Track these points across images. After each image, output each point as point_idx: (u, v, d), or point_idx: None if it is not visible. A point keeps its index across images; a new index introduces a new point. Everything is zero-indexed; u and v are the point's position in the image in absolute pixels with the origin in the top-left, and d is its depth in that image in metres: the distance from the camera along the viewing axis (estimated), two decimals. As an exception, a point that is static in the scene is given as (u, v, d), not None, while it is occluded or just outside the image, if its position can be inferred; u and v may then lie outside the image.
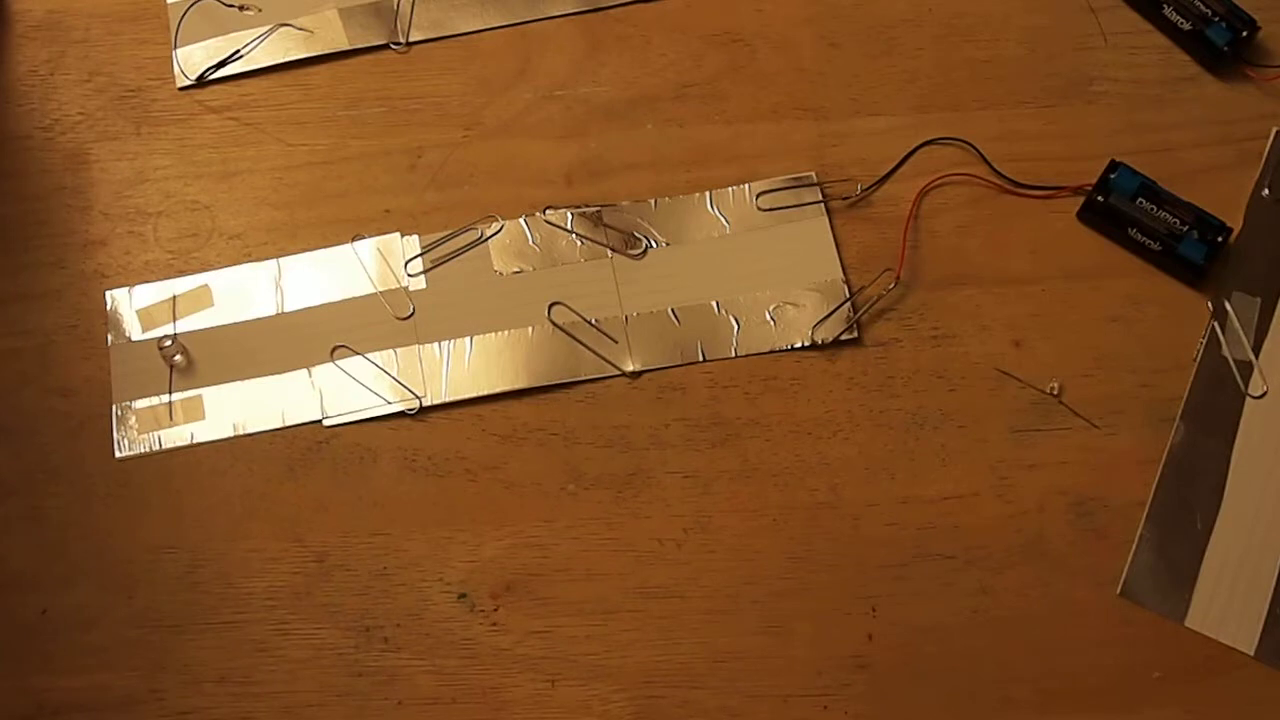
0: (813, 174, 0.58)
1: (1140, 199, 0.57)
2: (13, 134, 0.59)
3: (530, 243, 0.57)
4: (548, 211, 0.57)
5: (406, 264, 0.57)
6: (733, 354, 0.55)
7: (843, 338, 0.55)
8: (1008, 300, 0.56)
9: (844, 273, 0.56)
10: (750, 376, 0.55)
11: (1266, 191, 0.58)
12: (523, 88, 0.60)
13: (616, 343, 0.55)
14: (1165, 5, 0.61)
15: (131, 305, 0.56)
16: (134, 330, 0.56)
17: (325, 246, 0.57)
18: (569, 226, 0.57)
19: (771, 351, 0.55)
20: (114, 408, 0.54)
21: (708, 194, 0.58)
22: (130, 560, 0.52)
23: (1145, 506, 0.53)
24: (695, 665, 0.51)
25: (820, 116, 0.60)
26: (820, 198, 0.58)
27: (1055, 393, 0.55)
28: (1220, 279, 0.57)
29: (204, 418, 0.54)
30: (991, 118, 0.60)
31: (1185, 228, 0.56)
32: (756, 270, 0.56)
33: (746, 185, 0.58)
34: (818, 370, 0.55)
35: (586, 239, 0.57)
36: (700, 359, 0.55)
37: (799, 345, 0.55)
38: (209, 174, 0.59)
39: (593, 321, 0.55)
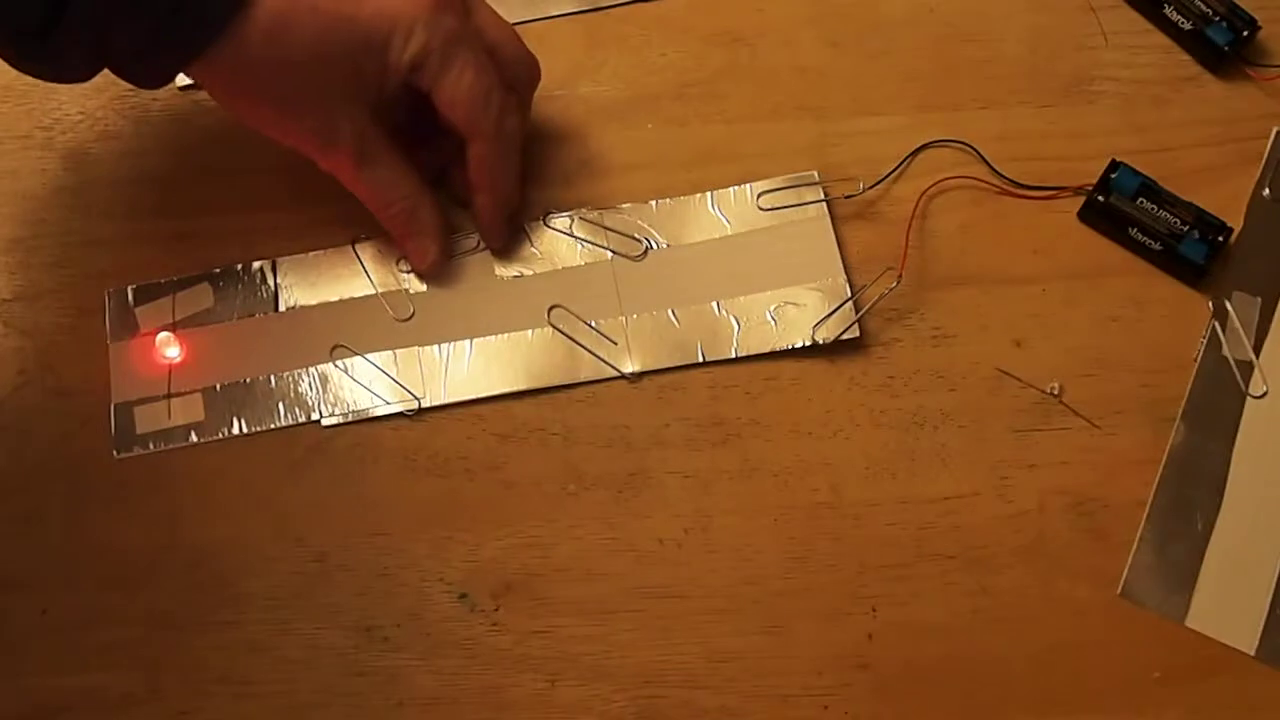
0: (814, 173, 0.58)
1: (1141, 199, 0.57)
2: (13, 134, 0.59)
3: (531, 247, 0.57)
4: (549, 216, 0.57)
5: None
6: (733, 354, 0.55)
7: (844, 337, 0.55)
8: (1008, 300, 0.56)
9: (846, 272, 0.56)
10: (751, 376, 0.55)
11: (1267, 191, 0.58)
12: (523, 87, 0.60)
13: (616, 344, 0.55)
14: (1166, 5, 0.61)
15: (130, 305, 0.56)
16: (133, 330, 0.55)
17: (326, 247, 0.57)
18: (570, 230, 0.57)
19: (772, 353, 0.55)
20: (112, 407, 0.54)
21: (709, 194, 0.58)
22: (130, 560, 0.52)
23: (1145, 506, 0.53)
24: (695, 665, 0.51)
25: (821, 116, 0.60)
26: (822, 197, 0.57)
27: (1055, 393, 0.55)
28: (1220, 279, 0.57)
29: (203, 417, 0.54)
30: (991, 118, 0.60)
31: (1186, 228, 0.56)
32: (757, 270, 0.56)
33: (748, 185, 0.58)
34: (818, 370, 0.55)
35: (587, 242, 0.57)
36: (700, 360, 0.55)
37: (800, 345, 0.55)
38: (209, 173, 0.59)
39: (592, 324, 0.55)
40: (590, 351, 0.55)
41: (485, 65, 0.52)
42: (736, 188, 0.58)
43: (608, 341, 0.55)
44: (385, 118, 0.53)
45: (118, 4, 0.46)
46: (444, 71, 0.51)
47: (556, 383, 0.55)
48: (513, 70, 0.54)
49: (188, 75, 0.50)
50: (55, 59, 0.48)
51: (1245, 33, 0.60)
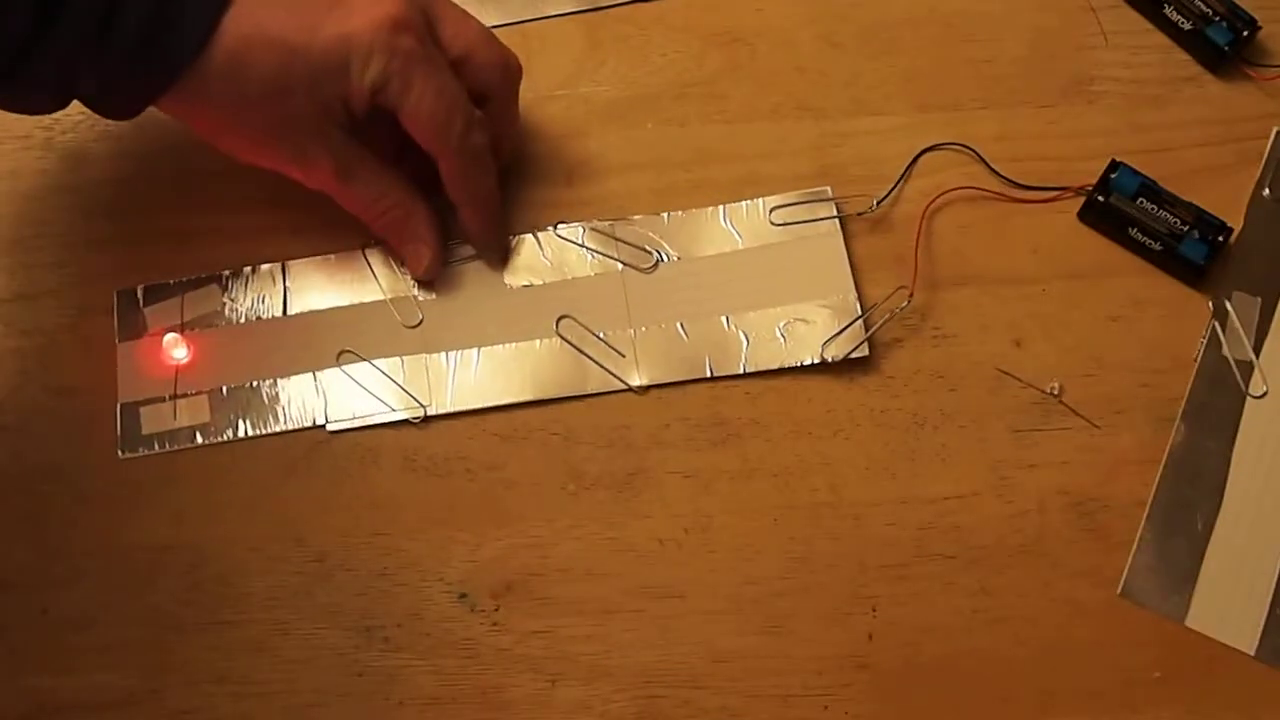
0: (828, 189, 0.57)
1: (1141, 199, 0.57)
2: (12, 134, 0.59)
3: (541, 256, 0.57)
4: (560, 226, 0.57)
5: None
6: (741, 370, 0.54)
7: (853, 356, 0.55)
8: (1008, 300, 0.56)
9: (857, 290, 0.56)
10: (751, 377, 0.55)
11: (1267, 191, 0.58)
12: (523, 88, 0.60)
13: (624, 357, 0.55)
14: (1166, 5, 0.61)
15: (140, 304, 0.56)
16: (141, 330, 0.55)
17: (336, 250, 0.57)
18: (581, 241, 0.57)
19: (780, 369, 0.55)
20: (118, 407, 0.54)
21: (721, 208, 0.57)
22: (130, 560, 0.52)
23: (1145, 506, 0.53)
24: (695, 665, 0.51)
25: (821, 116, 0.60)
26: (835, 214, 0.57)
27: (1055, 393, 0.55)
28: (1220, 279, 0.57)
29: (209, 419, 0.54)
30: (992, 118, 0.60)
31: (1186, 228, 0.56)
32: (768, 286, 0.56)
33: (760, 200, 0.57)
34: (818, 370, 0.55)
35: (597, 253, 0.57)
36: (709, 374, 0.54)
37: (809, 362, 0.55)
38: (213, 173, 0.58)
39: (600, 335, 0.55)
40: (598, 363, 0.55)
41: (446, 84, 0.51)
42: (749, 202, 0.57)
43: (616, 354, 0.55)
44: (368, 132, 0.52)
45: (84, 48, 0.47)
46: (405, 94, 0.50)
47: (563, 394, 0.54)
48: (487, 75, 0.53)
49: (157, 109, 0.50)
50: (23, 97, 0.49)
51: (1245, 33, 0.60)
